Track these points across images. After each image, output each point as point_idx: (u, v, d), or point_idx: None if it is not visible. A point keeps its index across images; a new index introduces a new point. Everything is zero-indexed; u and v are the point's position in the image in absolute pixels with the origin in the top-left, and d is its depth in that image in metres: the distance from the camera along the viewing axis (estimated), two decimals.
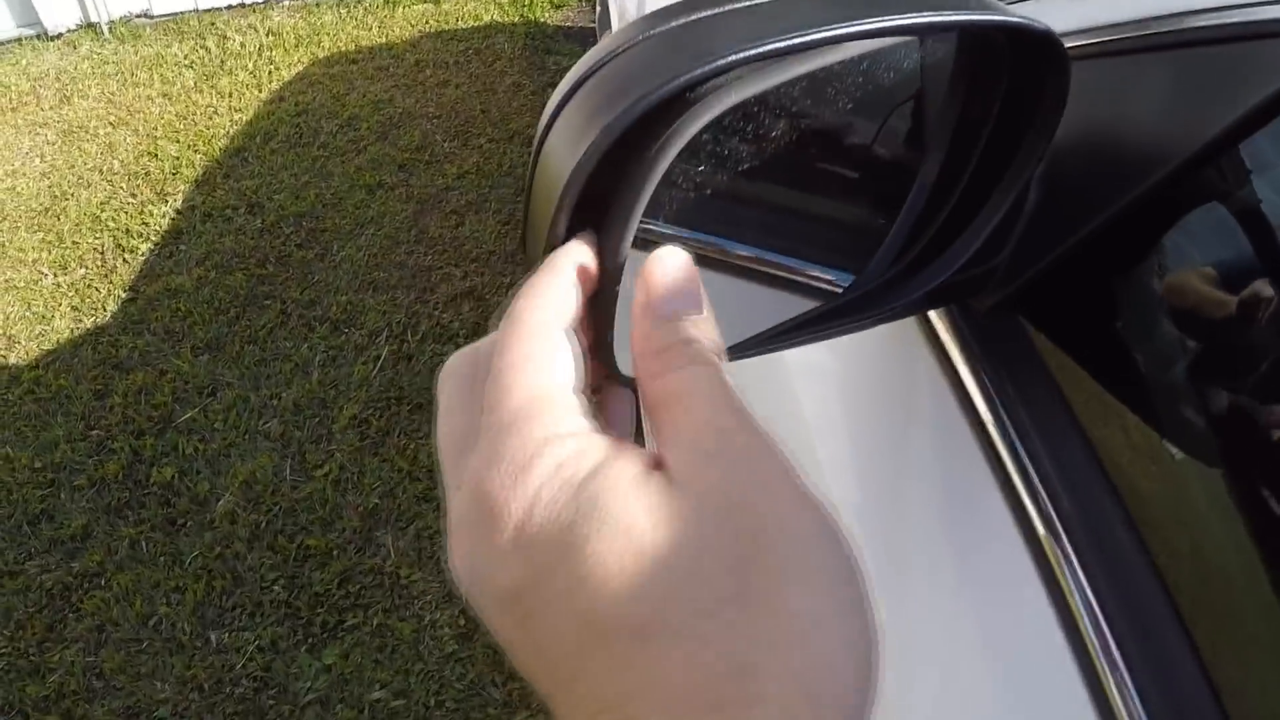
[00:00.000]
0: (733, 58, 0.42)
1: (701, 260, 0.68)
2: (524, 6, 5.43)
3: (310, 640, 2.34)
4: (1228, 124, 0.63)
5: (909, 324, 0.93)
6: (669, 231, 0.62)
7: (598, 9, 3.75)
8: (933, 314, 0.90)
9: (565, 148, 0.42)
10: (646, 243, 0.55)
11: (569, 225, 0.42)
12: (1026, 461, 0.75)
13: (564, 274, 0.41)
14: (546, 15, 5.35)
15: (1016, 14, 0.55)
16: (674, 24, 0.45)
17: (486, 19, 5.31)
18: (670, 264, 0.39)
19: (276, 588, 2.46)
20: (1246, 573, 0.65)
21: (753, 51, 0.43)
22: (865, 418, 1.01)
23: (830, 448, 1.02)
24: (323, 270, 3.48)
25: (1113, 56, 0.78)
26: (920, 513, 0.89)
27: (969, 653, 0.78)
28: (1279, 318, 0.63)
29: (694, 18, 0.45)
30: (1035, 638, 0.71)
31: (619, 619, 0.32)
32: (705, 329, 0.38)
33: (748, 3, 0.46)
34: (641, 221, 0.52)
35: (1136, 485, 0.71)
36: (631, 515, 0.33)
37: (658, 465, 0.36)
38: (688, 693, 0.31)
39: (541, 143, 0.44)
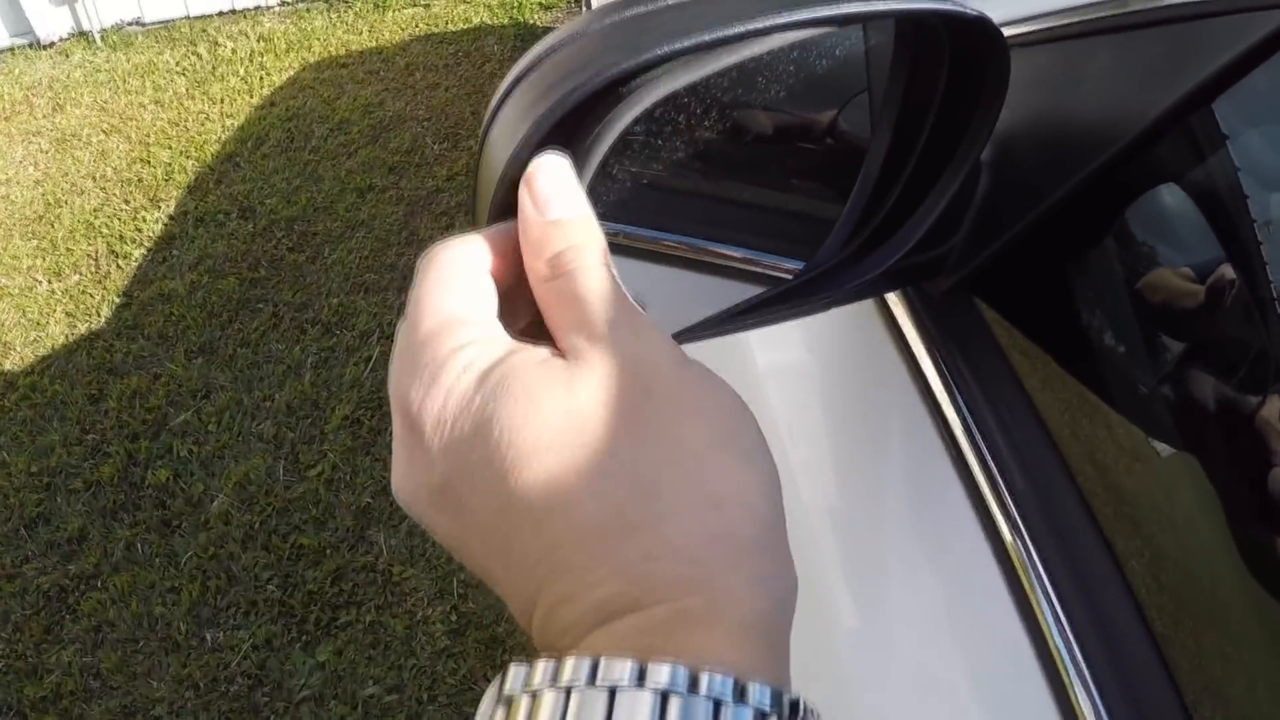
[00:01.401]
0: (659, 51, 0.44)
1: (654, 255, 0.69)
2: (513, 9, 5.43)
3: (304, 638, 2.37)
4: (1170, 104, 0.64)
5: (870, 311, 0.94)
6: (617, 228, 0.63)
7: (582, 9, 3.77)
8: (891, 298, 0.91)
9: (504, 139, 0.44)
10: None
11: (508, 207, 0.44)
12: (980, 441, 0.76)
13: (475, 236, 0.43)
14: (535, 17, 5.36)
15: (950, 1, 0.56)
16: (609, 20, 0.46)
17: (476, 21, 5.32)
18: (550, 172, 0.41)
19: (270, 586, 2.48)
20: (1199, 545, 0.66)
21: (680, 45, 0.44)
22: (833, 411, 1.02)
23: (801, 442, 1.03)
24: (314, 273, 3.50)
25: (1059, 41, 0.79)
26: (885, 498, 0.90)
27: (937, 640, 0.79)
28: (1240, 298, 0.64)
29: (629, 14, 0.46)
30: (993, 619, 0.72)
31: (531, 477, 0.35)
32: (587, 230, 0.40)
33: None
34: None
35: (1087, 461, 0.73)
36: (531, 387, 0.36)
37: (559, 354, 0.39)
38: (602, 526, 0.34)
39: (485, 133, 0.46)
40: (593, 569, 0.34)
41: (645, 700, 0.30)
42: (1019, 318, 0.82)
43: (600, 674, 0.30)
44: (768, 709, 0.30)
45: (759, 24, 0.46)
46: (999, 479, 0.74)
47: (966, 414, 0.79)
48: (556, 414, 0.35)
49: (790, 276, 0.74)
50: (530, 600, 0.36)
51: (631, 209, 0.62)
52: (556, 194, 0.41)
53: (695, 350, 0.66)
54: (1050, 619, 0.67)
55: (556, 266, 0.39)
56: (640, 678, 0.30)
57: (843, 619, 0.88)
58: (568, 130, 0.44)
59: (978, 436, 0.77)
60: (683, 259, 0.73)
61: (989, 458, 0.76)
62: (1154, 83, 0.67)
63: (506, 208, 0.44)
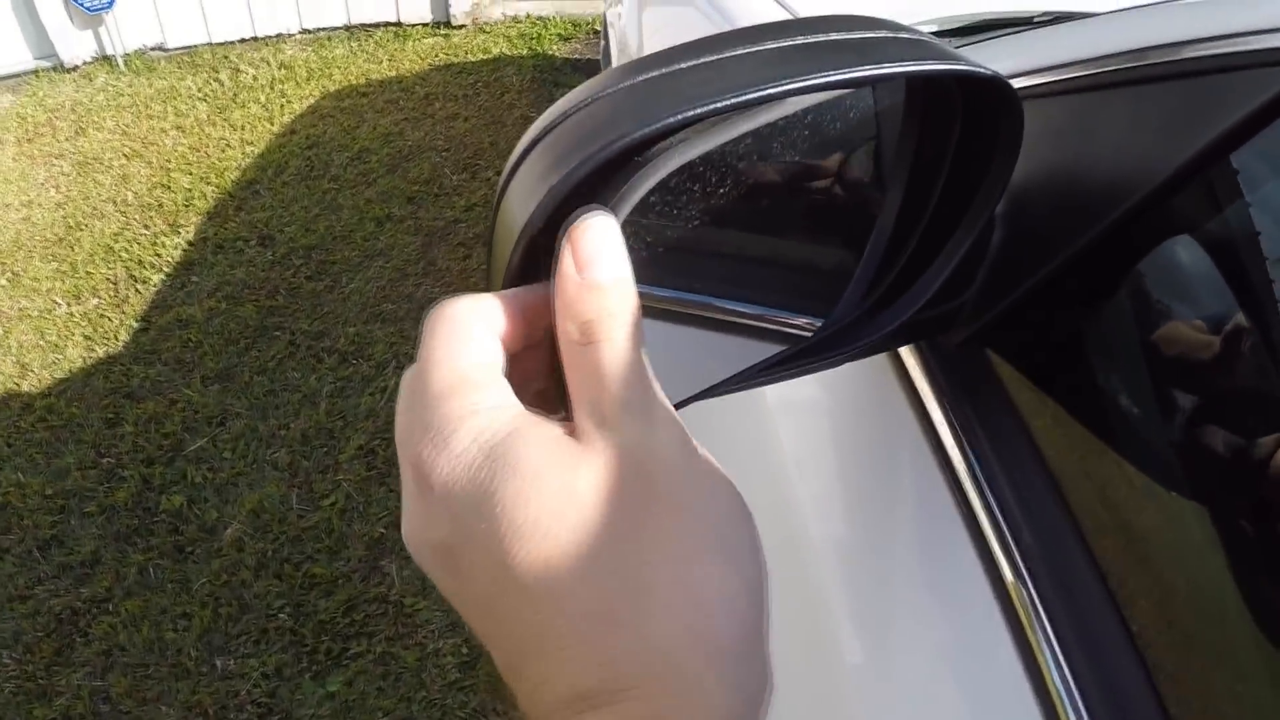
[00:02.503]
0: (671, 119, 0.43)
1: (671, 315, 0.70)
2: (532, 40, 5.48)
3: (315, 667, 2.37)
4: (1187, 158, 0.64)
5: (882, 361, 0.95)
6: (639, 289, 0.64)
7: (602, 42, 3.80)
8: (904, 350, 0.91)
9: (519, 204, 0.44)
10: None
11: (523, 272, 0.44)
12: (988, 493, 0.77)
13: (489, 296, 0.43)
14: (555, 48, 5.40)
15: (963, 59, 0.55)
16: (624, 84, 0.46)
17: (495, 52, 5.37)
18: (596, 232, 0.41)
19: (282, 615, 2.48)
20: (1209, 585, 0.67)
21: (693, 112, 0.44)
22: (843, 454, 1.02)
23: (808, 484, 1.03)
24: (332, 302, 3.52)
25: (1073, 94, 0.80)
26: (892, 538, 0.90)
27: (939, 681, 0.79)
28: (1255, 350, 0.64)
29: (642, 78, 0.46)
30: (995, 662, 0.72)
31: (526, 557, 0.35)
32: (622, 298, 0.40)
33: (695, 61, 0.47)
34: None
35: (1097, 500, 0.74)
36: (537, 467, 0.37)
37: (570, 431, 0.39)
38: (589, 616, 0.35)
39: (500, 196, 0.46)
40: (577, 657, 0.35)
41: None
42: (1032, 370, 0.82)
43: None
44: None
45: (772, 90, 0.46)
46: (1005, 531, 0.74)
47: (975, 465, 0.80)
48: (558, 497, 0.36)
49: (807, 333, 0.75)
50: (517, 671, 0.37)
51: (650, 270, 0.61)
52: (598, 255, 0.40)
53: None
54: (1052, 664, 0.67)
55: (586, 333, 0.39)
56: None
57: (845, 655, 0.89)
58: (583, 197, 0.44)
59: (985, 488, 0.78)
60: (701, 318, 0.73)
61: (996, 509, 0.76)
62: (1170, 136, 0.67)
63: (521, 273, 0.44)
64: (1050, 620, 0.69)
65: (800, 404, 1.10)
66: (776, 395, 1.13)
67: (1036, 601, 0.70)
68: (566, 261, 0.40)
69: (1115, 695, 0.65)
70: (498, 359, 0.41)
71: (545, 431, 0.38)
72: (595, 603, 0.35)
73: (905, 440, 0.90)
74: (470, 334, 0.41)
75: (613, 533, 0.36)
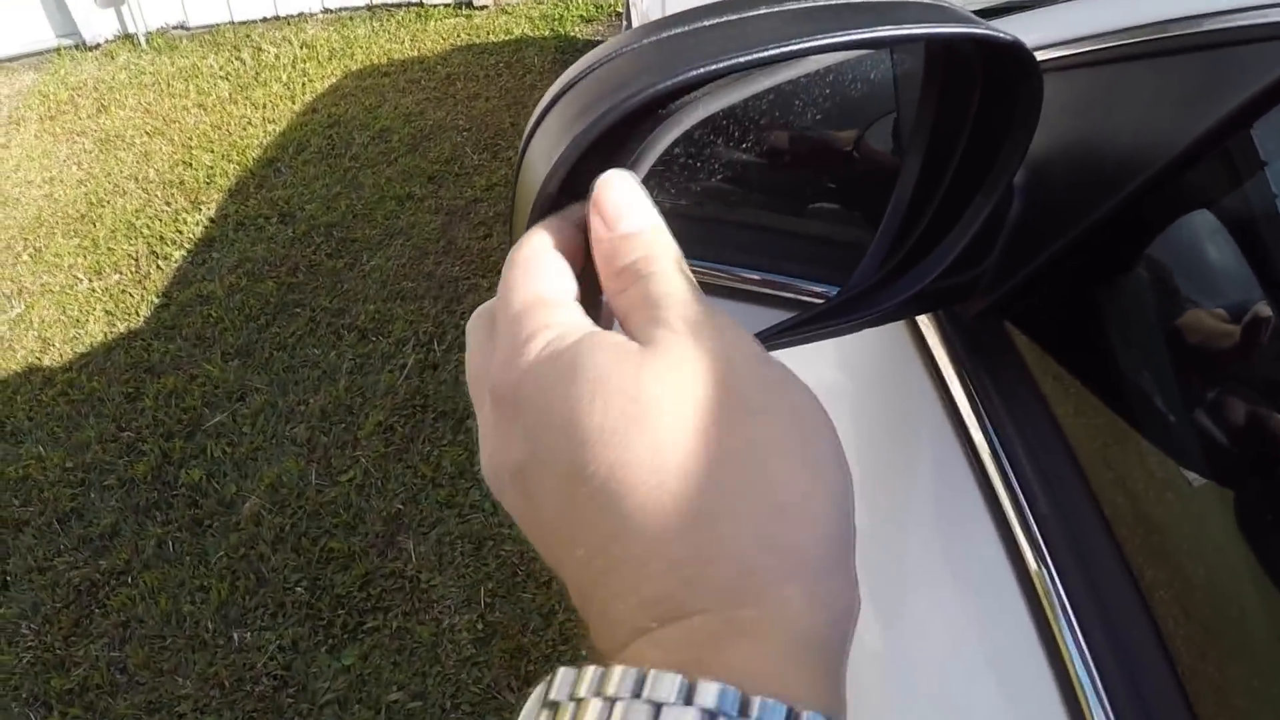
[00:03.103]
0: (694, 73, 0.43)
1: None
2: (554, 21, 5.47)
3: (330, 641, 2.38)
4: (1206, 129, 0.63)
5: (900, 332, 0.94)
6: None
7: (623, 24, 3.79)
8: (922, 320, 0.91)
9: (542, 156, 0.44)
10: None
11: None
12: (1007, 465, 0.76)
13: (553, 220, 0.43)
14: (576, 29, 5.40)
15: (983, 24, 0.55)
16: (647, 40, 0.47)
17: (517, 33, 5.36)
18: (616, 187, 0.41)
19: (299, 589, 2.49)
20: (1230, 576, 0.66)
21: (715, 66, 0.44)
22: (861, 431, 1.02)
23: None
24: (352, 279, 3.53)
25: (1094, 66, 0.79)
26: (911, 518, 0.90)
27: (958, 663, 0.79)
28: (1276, 334, 0.63)
29: (666, 35, 0.47)
30: (1015, 644, 0.72)
31: (597, 462, 0.34)
32: (658, 239, 0.41)
33: (719, 20, 0.47)
34: None
35: (1117, 488, 0.72)
36: (604, 370, 0.36)
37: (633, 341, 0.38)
38: (658, 518, 0.33)
39: (524, 150, 0.46)
40: (646, 562, 0.33)
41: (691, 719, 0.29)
42: (1050, 342, 0.82)
43: (647, 688, 0.29)
44: None
45: (792, 46, 0.46)
46: (1024, 504, 0.74)
47: (994, 437, 0.79)
48: (625, 399, 0.35)
49: (817, 299, 0.74)
50: (588, 595, 0.35)
51: (677, 237, 0.62)
52: (625, 207, 0.41)
53: None
54: (1072, 645, 0.67)
55: (631, 276, 0.40)
56: (688, 696, 0.29)
57: (864, 639, 0.88)
58: (606, 151, 0.44)
59: (1004, 460, 0.77)
60: (718, 286, 0.73)
61: (1015, 482, 0.75)
62: (1190, 108, 0.67)
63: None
64: (1069, 595, 0.68)
65: (819, 385, 1.09)
66: (797, 374, 1.12)
67: (1056, 580, 0.69)
68: (596, 224, 0.41)
69: (1137, 681, 0.64)
70: (571, 285, 0.41)
71: (614, 339, 0.37)
72: (668, 506, 0.33)
73: (923, 413, 0.89)
74: (546, 261, 0.41)
75: (685, 434, 0.34)
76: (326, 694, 2.28)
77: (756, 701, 0.29)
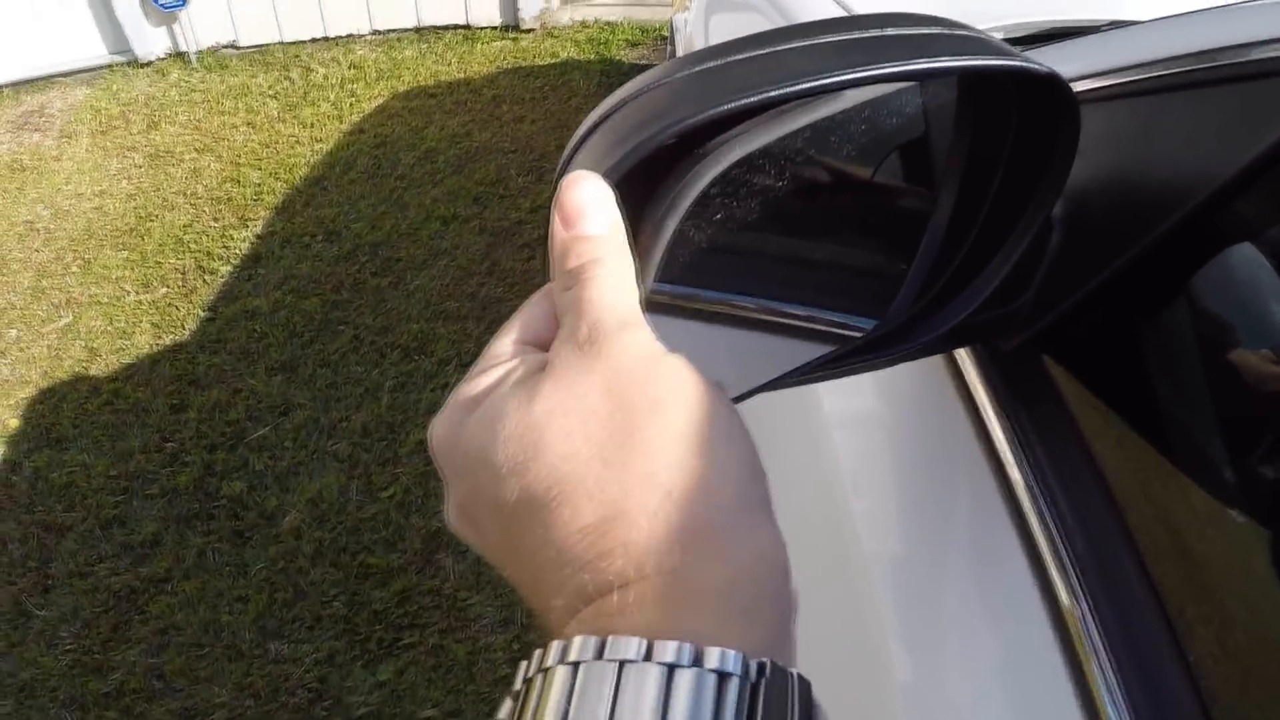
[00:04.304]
0: (726, 107, 0.44)
1: (724, 317, 0.70)
2: (600, 45, 5.52)
3: (366, 656, 2.38)
4: (1248, 161, 0.63)
5: (938, 366, 0.94)
6: (684, 291, 0.63)
7: (668, 49, 3.82)
8: (960, 353, 0.90)
9: None
10: (661, 306, 0.57)
11: None
12: (1044, 506, 0.75)
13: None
14: (622, 53, 5.43)
15: (1019, 55, 0.55)
16: (680, 74, 0.47)
17: (564, 56, 5.40)
18: (579, 188, 0.43)
19: (337, 603, 2.50)
20: (1265, 616, 0.65)
21: (747, 100, 0.45)
22: (898, 466, 1.01)
23: (865, 491, 1.02)
24: (396, 298, 3.55)
25: (1135, 97, 0.78)
26: (946, 553, 0.89)
27: (989, 701, 0.78)
28: None
29: (699, 69, 0.47)
30: (1047, 683, 0.71)
31: (511, 494, 0.38)
32: (610, 246, 0.43)
33: (753, 53, 0.48)
34: (669, 288, 0.55)
35: (1159, 522, 0.72)
36: (498, 411, 0.40)
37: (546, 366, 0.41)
38: (563, 528, 0.37)
39: (561, 176, 0.47)
40: (564, 564, 0.36)
41: (611, 672, 0.32)
42: (1089, 377, 0.81)
43: (608, 650, 0.33)
44: (730, 669, 0.32)
45: (825, 81, 0.46)
46: (1060, 544, 0.73)
47: (1030, 474, 0.78)
48: (520, 431, 0.39)
49: (854, 334, 0.74)
50: (536, 600, 0.39)
51: (706, 273, 0.63)
52: (581, 211, 0.43)
53: (766, 400, 0.67)
54: (1104, 688, 0.66)
55: (574, 276, 0.42)
56: (647, 653, 0.33)
57: (895, 671, 0.88)
58: (642, 187, 0.46)
59: (1040, 498, 0.76)
60: (756, 320, 0.73)
61: (1051, 521, 0.75)
62: (1231, 139, 0.66)
63: None
64: (1105, 640, 0.67)
65: (856, 416, 1.10)
66: (832, 407, 1.13)
67: (1090, 620, 0.69)
68: (555, 221, 0.43)
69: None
70: (508, 355, 0.44)
71: (512, 376, 0.42)
72: (567, 515, 0.37)
73: (960, 448, 0.89)
74: (488, 354, 0.45)
75: (574, 448, 0.38)
76: (361, 708, 2.28)
77: (659, 644, 0.33)
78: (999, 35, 1.45)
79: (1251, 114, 0.67)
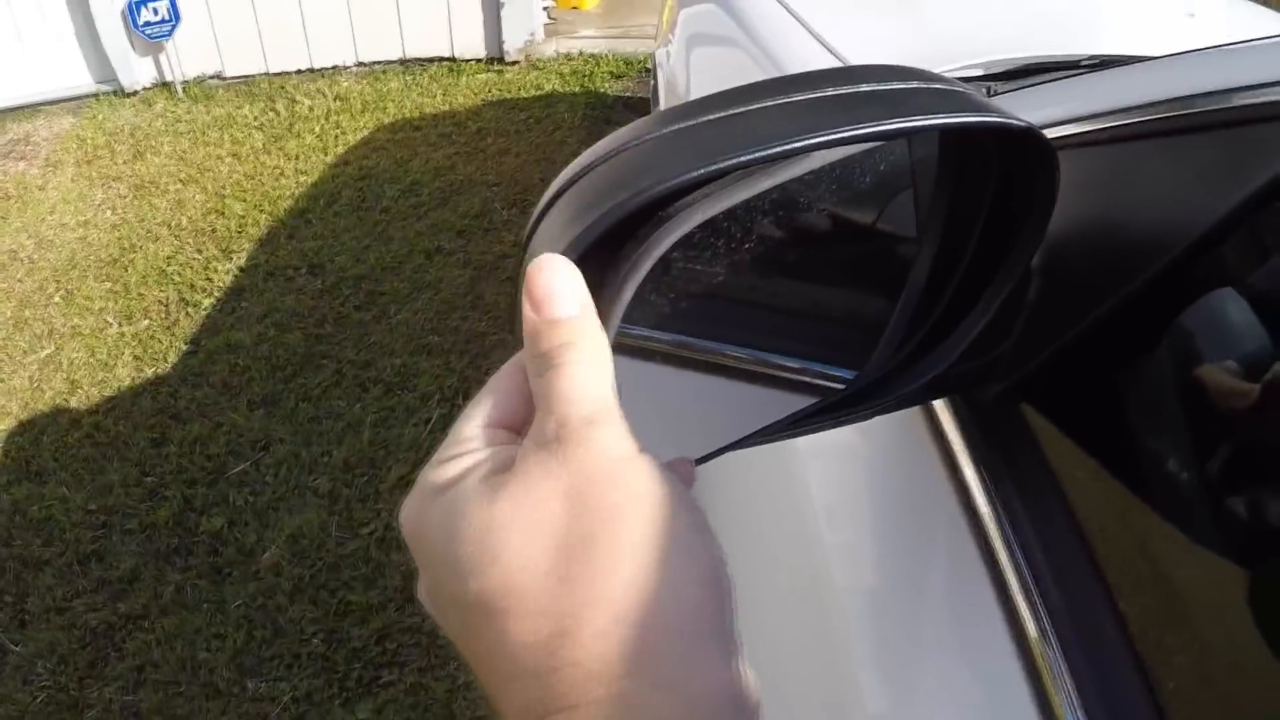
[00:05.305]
0: (692, 175, 0.44)
1: (704, 365, 0.70)
2: (584, 77, 5.54)
3: (345, 694, 2.37)
4: (1228, 209, 0.63)
5: (915, 413, 0.94)
6: (668, 338, 0.63)
7: (652, 81, 3.84)
8: (938, 403, 0.91)
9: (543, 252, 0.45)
10: (640, 350, 0.57)
11: None
12: (1018, 552, 0.76)
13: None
14: (606, 85, 5.46)
15: (997, 109, 0.54)
16: (648, 137, 0.46)
17: (548, 88, 5.43)
18: (548, 272, 0.43)
19: (315, 641, 2.49)
20: (1248, 672, 0.65)
21: (713, 168, 0.44)
22: (873, 506, 1.02)
23: (836, 532, 1.03)
24: (379, 332, 3.55)
25: (1115, 143, 0.79)
26: (920, 591, 0.90)
27: None
28: None
29: (667, 130, 0.47)
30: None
31: (467, 593, 0.38)
32: (578, 329, 0.42)
33: (722, 114, 0.47)
34: (642, 331, 0.55)
35: (1131, 574, 0.72)
36: (465, 508, 0.40)
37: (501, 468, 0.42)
38: (514, 641, 0.37)
39: (526, 246, 0.47)
40: (513, 676, 0.37)
41: None
42: (1068, 425, 0.81)
43: None
44: None
45: (796, 144, 0.46)
46: (1034, 590, 0.73)
47: (1005, 522, 0.79)
48: (479, 533, 0.39)
49: (840, 385, 0.74)
50: (497, 705, 0.39)
51: (682, 319, 0.62)
52: (550, 294, 0.42)
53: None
54: None
55: (546, 362, 0.42)
56: None
57: (867, 704, 0.88)
58: (609, 247, 0.45)
59: (1014, 545, 0.77)
60: (734, 370, 0.72)
61: (1024, 567, 0.75)
62: (1211, 187, 0.67)
63: None
64: (1074, 681, 0.68)
65: (831, 452, 1.10)
66: (807, 442, 1.12)
67: (1062, 662, 0.69)
68: (526, 306, 0.43)
69: None
70: (477, 441, 0.44)
71: (479, 470, 0.42)
72: (521, 627, 0.37)
73: (935, 493, 0.89)
74: (458, 436, 0.45)
75: (530, 557, 0.38)
76: None
77: None
78: (979, 71, 1.47)
79: (1232, 161, 0.67)
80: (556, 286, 0.43)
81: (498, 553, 0.38)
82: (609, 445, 0.40)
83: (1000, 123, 0.54)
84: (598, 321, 0.43)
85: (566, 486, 0.39)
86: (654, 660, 0.36)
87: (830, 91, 0.49)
